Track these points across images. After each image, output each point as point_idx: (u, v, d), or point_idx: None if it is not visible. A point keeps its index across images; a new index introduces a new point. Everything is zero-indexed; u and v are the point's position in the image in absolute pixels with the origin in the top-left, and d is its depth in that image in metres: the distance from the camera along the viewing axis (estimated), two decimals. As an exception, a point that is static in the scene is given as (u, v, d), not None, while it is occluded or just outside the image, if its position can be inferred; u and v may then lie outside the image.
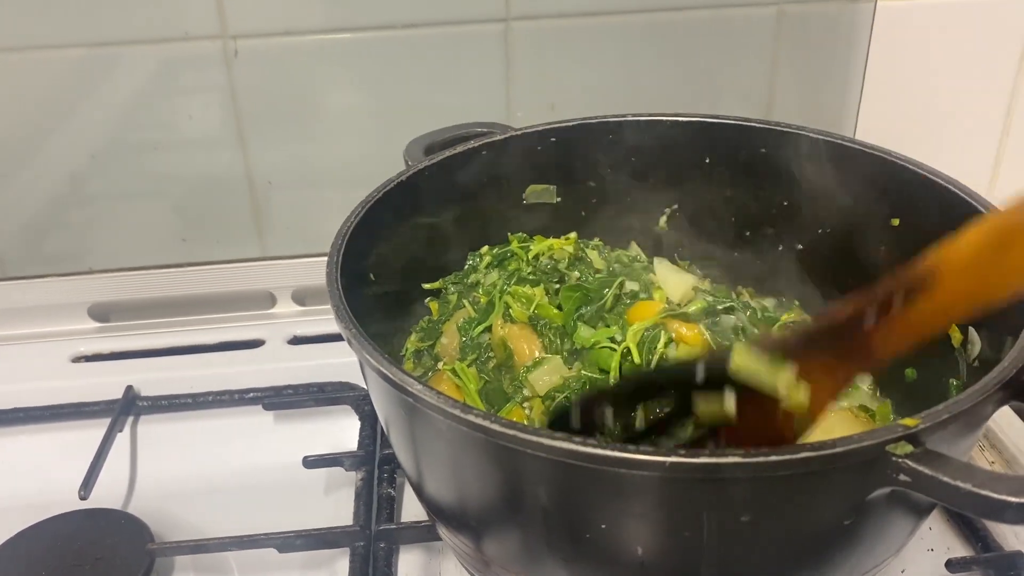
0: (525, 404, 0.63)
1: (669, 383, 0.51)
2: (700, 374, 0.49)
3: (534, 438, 0.44)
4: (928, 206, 0.67)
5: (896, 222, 0.71)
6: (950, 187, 0.66)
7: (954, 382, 0.64)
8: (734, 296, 0.77)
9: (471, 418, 0.45)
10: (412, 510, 0.75)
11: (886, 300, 0.43)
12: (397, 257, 0.70)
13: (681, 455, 0.42)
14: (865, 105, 0.99)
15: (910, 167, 0.69)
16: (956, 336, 0.64)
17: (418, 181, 0.72)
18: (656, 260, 0.81)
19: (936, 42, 0.98)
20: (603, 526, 0.47)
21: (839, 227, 0.76)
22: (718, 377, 0.47)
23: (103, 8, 0.87)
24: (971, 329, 0.62)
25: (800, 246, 0.80)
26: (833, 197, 0.75)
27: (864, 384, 0.71)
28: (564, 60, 0.95)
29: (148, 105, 0.93)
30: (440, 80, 0.94)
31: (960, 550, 0.70)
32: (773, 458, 0.42)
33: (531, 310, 0.69)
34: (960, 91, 1.01)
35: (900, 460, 0.43)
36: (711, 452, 0.42)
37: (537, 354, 0.66)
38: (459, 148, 0.75)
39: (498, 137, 0.77)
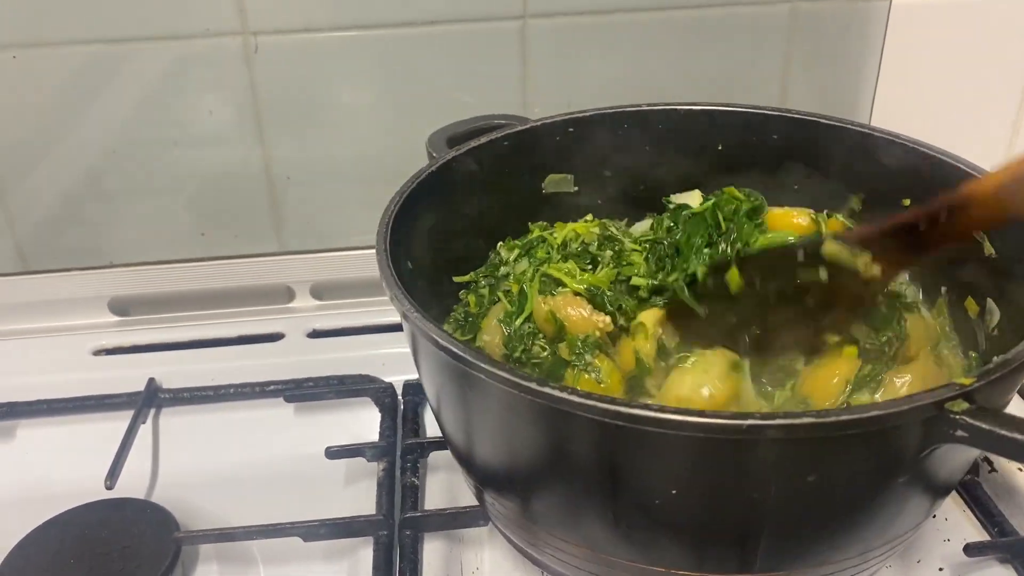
0: (589, 368, 0.64)
1: (781, 256, 0.64)
2: (801, 254, 0.62)
3: (600, 404, 0.46)
4: (940, 187, 0.68)
5: (907, 203, 0.72)
6: (961, 166, 0.69)
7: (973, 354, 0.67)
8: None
9: (534, 386, 0.47)
10: (435, 499, 0.76)
11: (934, 213, 0.57)
12: (429, 246, 0.71)
13: (758, 418, 0.44)
14: (879, 102, 1.00)
15: (924, 150, 0.72)
16: (973, 308, 0.67)
17: (449, 170, 0.73)
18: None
19: (951, 38, 0.99)
20: (672, 490, 0.49)
21: (851, 211, 0.78)
22: (815, 255, 0.61)
23: (124, 4, 0.88)
24: (989, 300, 0.66)
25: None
26: (845, 181, 0.77)
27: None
28: (580, 57, 0.95)
29: (168, 101, 0.94)
30: (458, 77, 0.95)
31: (976, 538, 0.71)
32: (844, 417, 0.45)
33: (578, 283, 0.70)
34: (974, 86, 1.02)
35: (958, 416, 0.46)
36: (786, 414, 0.44)
37: (593, 316, 0.67)
38: (484, 139, 0.76)
39: (520, 128, 0.78)
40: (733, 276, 0.64)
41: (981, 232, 0.65)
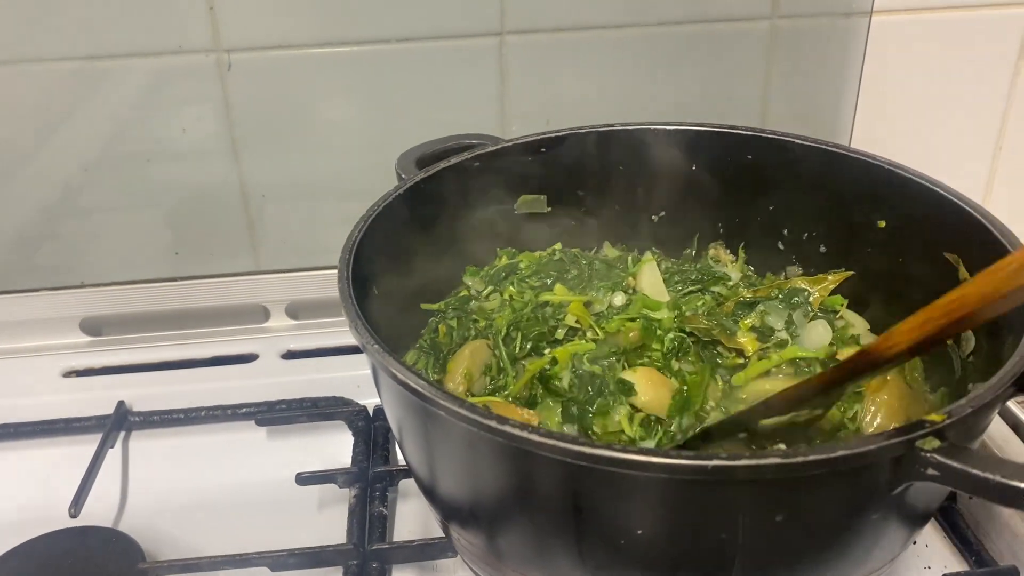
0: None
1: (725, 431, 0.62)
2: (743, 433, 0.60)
3: (563, 444, 0.45)
4: (917, 208, 0.69)
5: (883, 224, 0.72)
6: (937, 189, 0.68)
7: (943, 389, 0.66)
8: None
9: (494, 424, 0.46)
10: (404, 529, 0.75)
11: (846, 378, 0.54)
12: (397, 270, 0.71)
13: (723, 459, 0.43)
14: (860, 118, 0.99)
15: (898, 171, 0.70)
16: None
17: (417, 193, 0.72)
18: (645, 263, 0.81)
19: (932, 55, 0.99)
20: (638, 531, 0.49)
21: (825, 231, 0.78)
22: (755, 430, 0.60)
23: (97, 21, 0.87)
24: None
25: (787, 251, 0.80)
26: (820, 202, 0.76)
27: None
28: (559, 74, 0.95)
29: (142, 118, 0.92)
30: (435, 94, 0.94)
31: (956, 566, 0.70)
32: (811, 457, 0.44)
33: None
34: (956, 103, 1.01)
35: (928, 455, 0.45)
36: (752, 454, 0.43)
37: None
38: (453, 160, 0.75)
39: (490, 148, 0.77)
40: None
41: (955, 256, 0.64)
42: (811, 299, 0.75)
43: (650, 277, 0.77)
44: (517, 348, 0.71)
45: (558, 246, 0.81)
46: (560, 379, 0.67)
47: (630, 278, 0.78)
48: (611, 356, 0.69)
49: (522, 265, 0.79)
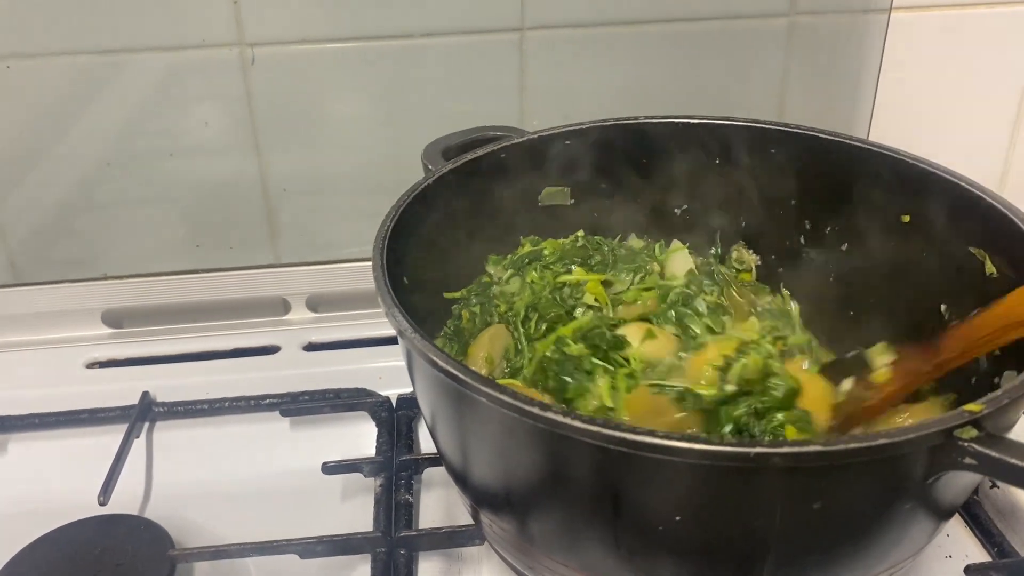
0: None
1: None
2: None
3: (605, 430, 0.45)
4: (942, 202, 0.69)
5: (907, 219, 0.72)
6: (961, 183, 0.68)
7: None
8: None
9: (536, 410, 0.47)
10: (428, 517, 0.76)
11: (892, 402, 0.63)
12: (425, 260, 0.71)
13: (766, 445, 0.44)
14: (878, 114, 1.00)
15: (923, 166, 0.71)
16: None
17: (444, 183, 0.73)
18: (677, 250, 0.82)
19: (949, 51, 0.99)
20: (676, 517, 0.49)
21: (848, 225, 0.77)
22: None
23: (121, 15, 0.87)
24: None
25: (807, 245, 0.81)
26: (842, 196, 0.76)
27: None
28: (578, 69, 0.95)
29: (163, 112, 0.93)
30: (455, 89, 0.94)
31: (977, 556, 0.71)
32: (853, 445, 0.44)
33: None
34: (972, 98, 1.02)
35: (966, 444, 0.46)
36: (793, 442, 0.44)
37: None
38: (480, 151, 0.76)
39: (516, 140, 0.78)
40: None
41: (981, 251, 0.65)
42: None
43: (682, 264, 0.78)
44: (532, 329, 0.72)
45: (580, 233, 0.82)
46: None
47: (655, 263, 0.79)
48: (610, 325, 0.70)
49: (546, 252, 0.79)
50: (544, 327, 0.72)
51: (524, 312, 0.73)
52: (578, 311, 0.73)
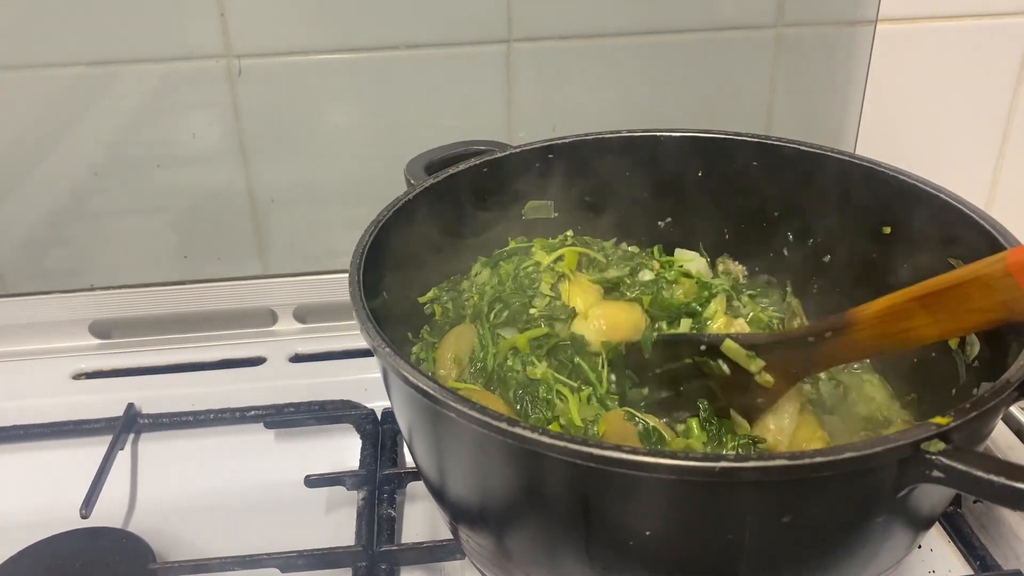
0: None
1: (686, 345, 0.70)
2: (704, 345, 0.68)
3: (573, 446, 0.46)
4: (922, 215, 0.70)
5: (888, 230, 0.73)
6: (941, 195, 0.69)
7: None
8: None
9: (505, 426, 0.47)
10: (411, 532, 0.76)
11: (819, 332, 0.61)
12: (404, 274, 0.71)
13: (730, 460, 0.44)
14: (865, 125, 1.00)
15: (903, 178, 0.71)
16: (953, 339, 0.66)
17: (426, 198, 0.73)
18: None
19: (935, 63, 0.99)
20: (646, 532, 0.49)
21: (830, 237, 0.78)
22: (715, 351, 0.67)
23: (110, 27, 0.88)
24: None
25: (792, 257, 0.81)
26: (825, 208, 0.77)
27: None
28: (565, 81, 0.95)
29: (151, 122, 0.93)
30: (442, 101, 0.95)
31: (960, 571, 0.71)
32: (818, 459, 0.45)
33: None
34: (959, 110, 1.02)
35: (934, 457, 0.46)
36: (759, 456, 0.44)
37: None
38: (462, 166, 0.76)
39: (498, 154, 0.78)
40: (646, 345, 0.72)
41: (961, 262, 0.65)
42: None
43: (696, 264, 0.80)
44: (495, 317, 0.73)
45: (570, 232, 0.82)
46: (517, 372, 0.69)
47: (655, 262, 0.80)
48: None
49: (533, 249, 0.79)
50: (505, 315, 0.73)
51: (488, 304, 0.73)
52: (536, 301, 0.74)
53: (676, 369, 0.69)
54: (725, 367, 0.66)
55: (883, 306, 0.56)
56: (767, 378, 0.64)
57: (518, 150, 0.78)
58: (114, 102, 0.92)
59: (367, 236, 0.65)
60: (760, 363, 0.64)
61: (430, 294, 0.78)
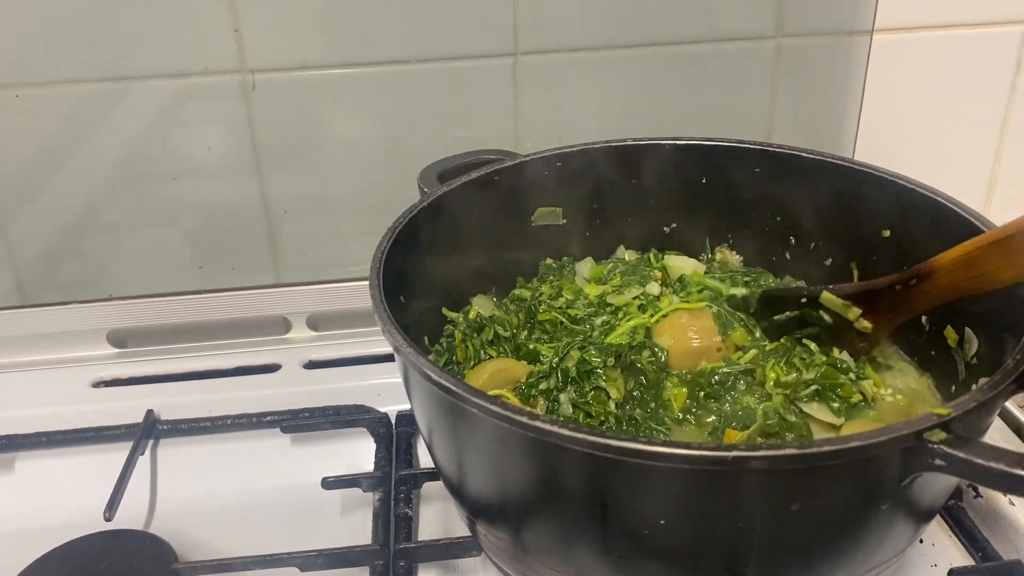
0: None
1: (789, 299, 0.77)
2: (804, 297, 0.75)
3: (591, 438, 0.47)
4: (920, 219, 0.72)
5: (887, 234, 0.75)
6: (938, 199, 0.71)
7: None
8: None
9: (524, 419, 0.49)
10: (427, 531, 0.77)
11: (904, 280, 0.67)
12: (422, 279, 0.73)
13: (742, 449, 0.46)
14: (863, 132, 1.02)
15: (902, 183, 0.74)
16: (952, 337, 0.69)
17: (440, 205, 0.75)
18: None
19: (931, 71, 1.02)
20: (661, 521, 0.51)
21: (831, 241, 0.81)
22: (815, 302, 0.74)
23: (124, 44, 0.90)
24: (967, 329, 0.68)
25: (794, 259, 0.84)
26: (825, 213, 0.80)
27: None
28: (571, 92, 0.98)
29: (167, 136, 0.96)
30: (451, 113, 0.97)
31: (962, 563, 0.72)
32: (825, 448, 0.47)
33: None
34: (955, 117, 1.05)
35: (935, 446, 0.48)
36: (769, 446, 0.46)
37: None
38: (474, 174, 0.79)
39: (509, 163, 0.81)
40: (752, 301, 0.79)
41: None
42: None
43: (681, 261, 0.83)
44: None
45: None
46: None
47: (655, 271, 0.82)
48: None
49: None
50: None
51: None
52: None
53: (783, 321, 0.76)
54: (827, 317, 0.73)
55: (962, 252, 0.62)
56: (865, 324, 0.71)
57: (528, 158, 0.81)
58: (131, 117, 0.94)
59: (386, 240, 0.68)
60: (856, 311, 0.71)
61: (457, 315, 0.80)
